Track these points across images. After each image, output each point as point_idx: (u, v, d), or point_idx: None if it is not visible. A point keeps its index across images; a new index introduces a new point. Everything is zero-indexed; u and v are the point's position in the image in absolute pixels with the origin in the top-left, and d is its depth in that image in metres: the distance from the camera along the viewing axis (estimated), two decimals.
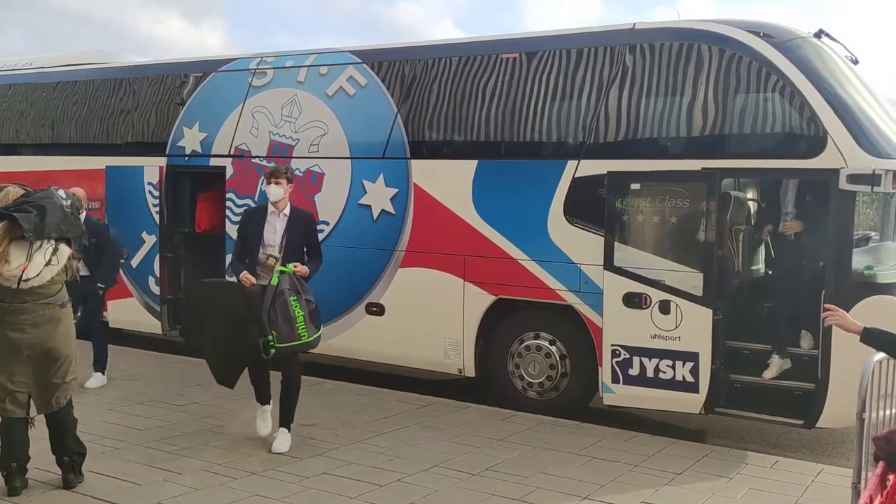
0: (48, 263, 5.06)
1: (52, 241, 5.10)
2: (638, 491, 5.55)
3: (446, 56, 8.28)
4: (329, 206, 8.64)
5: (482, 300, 7.81)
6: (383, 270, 8.31)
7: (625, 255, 7.04)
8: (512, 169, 7.75)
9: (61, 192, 5.25)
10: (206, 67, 9.90)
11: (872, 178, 6.19)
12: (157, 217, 9.86)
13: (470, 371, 7.95)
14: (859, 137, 6.38)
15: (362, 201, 8.43)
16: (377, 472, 5.79)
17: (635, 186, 7.02)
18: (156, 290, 9.91)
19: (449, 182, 8.00)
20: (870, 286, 6.43)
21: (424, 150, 8.25)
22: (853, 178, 6.26)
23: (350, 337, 8.54)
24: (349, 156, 8.54)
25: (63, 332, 5.20)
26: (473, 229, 7.80)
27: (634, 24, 7.43)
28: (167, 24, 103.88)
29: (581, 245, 7.28)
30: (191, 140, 9.68)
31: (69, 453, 5.34)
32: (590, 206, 7.27)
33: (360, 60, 8.69)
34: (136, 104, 10.32)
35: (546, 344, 7.64)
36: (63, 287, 5.25)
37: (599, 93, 7.38)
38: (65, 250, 5.19)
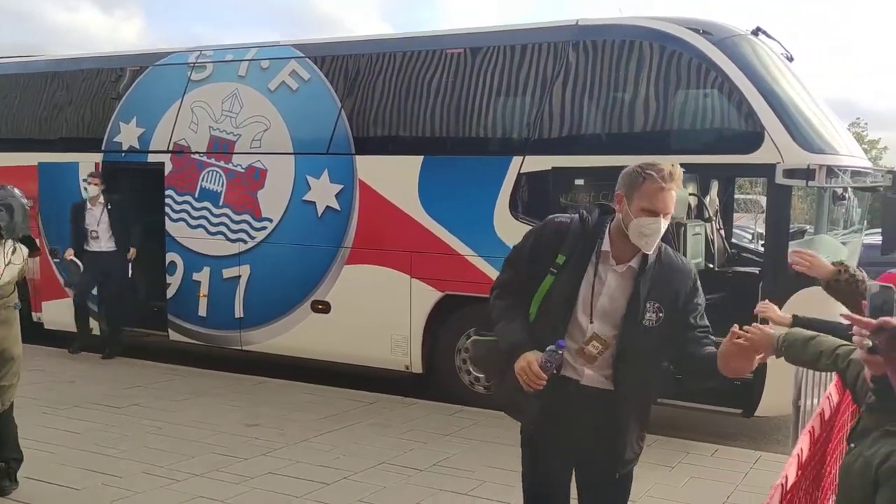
0: (9, 263, 4.99)
1: (13, 241, 5.02)
2: None
3: (390, 51, 8.24)
4: (272, 203, 8.53)
5: (429, 296, 7.80)
6: (329, 267, 8.24)
7: None
8: (458, 165, 7.75)
9: (17, 191, 5.22)
10: (144, 61, 9.69)
11: (807, 173, 6.37)
12: None
13: (417, 367, 7.93)
14: (794, 133, 6.54)
15: (306, 198, 8.34)
16: (324, 470, 5.74)
17: (579, 182, 7.09)
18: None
19: (395, 178, 7.96)
20: (804, 278, 6.57)
21: (370, 145, 8.19)
22: (789, 173, 6.43)
23: (295, 335, 8.46)
24: (292, 151, 8.45)
25: (15, 334, 5.17)
26: (420, 225, 7.78)
27: (577, 20, 7.50)
28: (79, 12, 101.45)
29: None
30: (128, 135, 9.46)
31: (6, 459, 5.19)
32: (535, 201, 7.32)
33: (302, 55, 8.60)
34: (71, 98, 10.06)
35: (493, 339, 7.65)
36: (15, 289, 5.19)
37: (544, 89, 7.42)
38: (23, 250, 5.13)
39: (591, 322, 3.09)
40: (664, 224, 3.04)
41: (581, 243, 3.13)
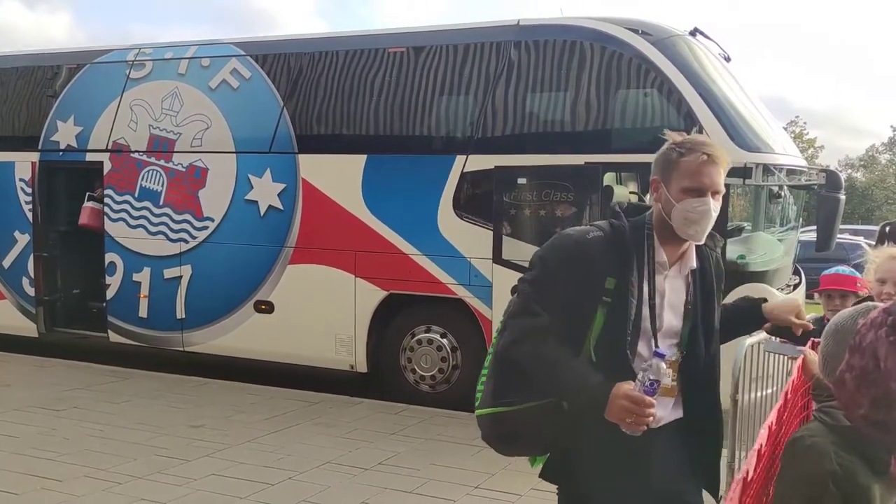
0: None
1: None
2: (527, 478, 5.60)
3: (333, 49, 8.21)
4: (214, 202, 8.43)
5: (374, 295, 7.80)
6: (272, 267, 8.18)
7: (513, 248, 7.17)
8: (401, 164, 7.76)
9: None
10: (81, 59, 9.49)
11: (744, 171, 6.53)
12: (30, 215, 9.41)
13: (362, 366, 7.92)
14: (731, 132, 6.71)
15: (249, 197, 8.27)
16: (268, 471, 5.70)
17: (522, 181, 7.16)
18: (30, 291, 9.46)
19: (338, 177, 7.94)
20: (743, 274, 6.76)
21: (312, 144, 8.15)
22: (726, 171, 6.56)
23: (238, 336, 8.38)
24: (234, 150, 8.36)
25: None
26: (364, 224, 7.77)
27: (519, 20, 7.57)
28: (1, 6, 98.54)
29: (470, 239, 7.37)
30: (65, 134, 9.26)
31: None
32: (479, 200, 7.38)
33: (243, 53, 8.52)
34: (6, 96, 9.82)
35: (437, 337, 7.70)
36: None
37: (486, 88, 7.48)
38: None
39: (657, 347, 2.47)
40: (715, 205, 2.51)
41: (627, 256, 2.50)
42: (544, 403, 2.51)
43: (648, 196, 8.10)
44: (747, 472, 2.23)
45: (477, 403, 2.65)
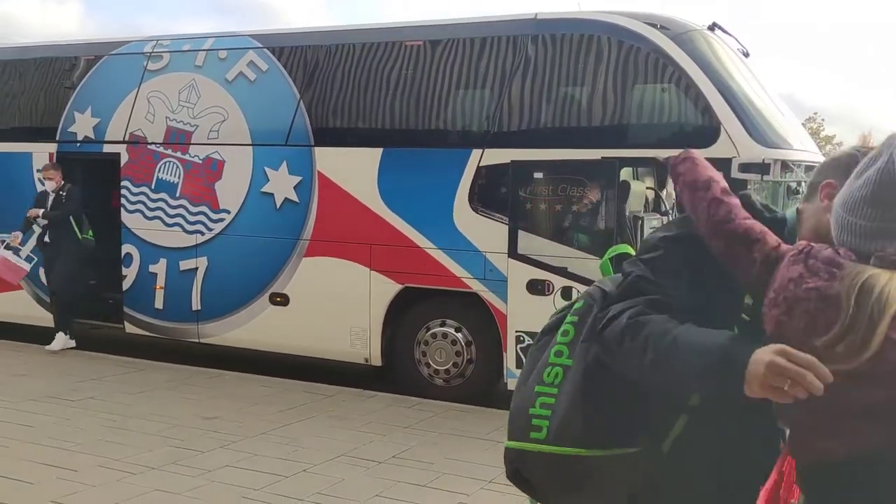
0: None
1: None
2: None
3: (349, 42, 8.21)
4: (230, 194, 8.45)
5: (388, 289, 7.79)
6: (287, 260, 8.20)
7: (528, 242, 7.15)
8: (417, 157, 7.75)
9: None
10: (99, 50, 9.53)
11: (762, 167, 6.48)
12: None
13: (376, 360, 7.93)
14: (750, 128, 6.66)
15: (265, 189, 8.28)
16: (282, 463, 5.71)
17: (538, 175, 7.14)
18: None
19: (354, 170, 7.94)
20: None
21: (329, 137, 8.15)
22: (744, 167, 6.54)
23: (253, 328, 8.41)
24: (250, 143, 8.38)
25: None
26: (379, 218, 7.77)
27: (536, 14, 7.54)
28: None
29: (486, 233, 7.35)
30: (83, 125, 9.30)
31: None
32: (494, 194, 7.36)
33: (260, 45, 8.53)
34: (24, 88, 9.88)
35: (452, 331, 7.69)
36: None
37: (503, 82, 7.45)
38: None
39: None
40: None
41: None
42: (640, 452, 2.02)
43: (665, 192, 8.08)
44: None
45: (537, 435, 2.08)
